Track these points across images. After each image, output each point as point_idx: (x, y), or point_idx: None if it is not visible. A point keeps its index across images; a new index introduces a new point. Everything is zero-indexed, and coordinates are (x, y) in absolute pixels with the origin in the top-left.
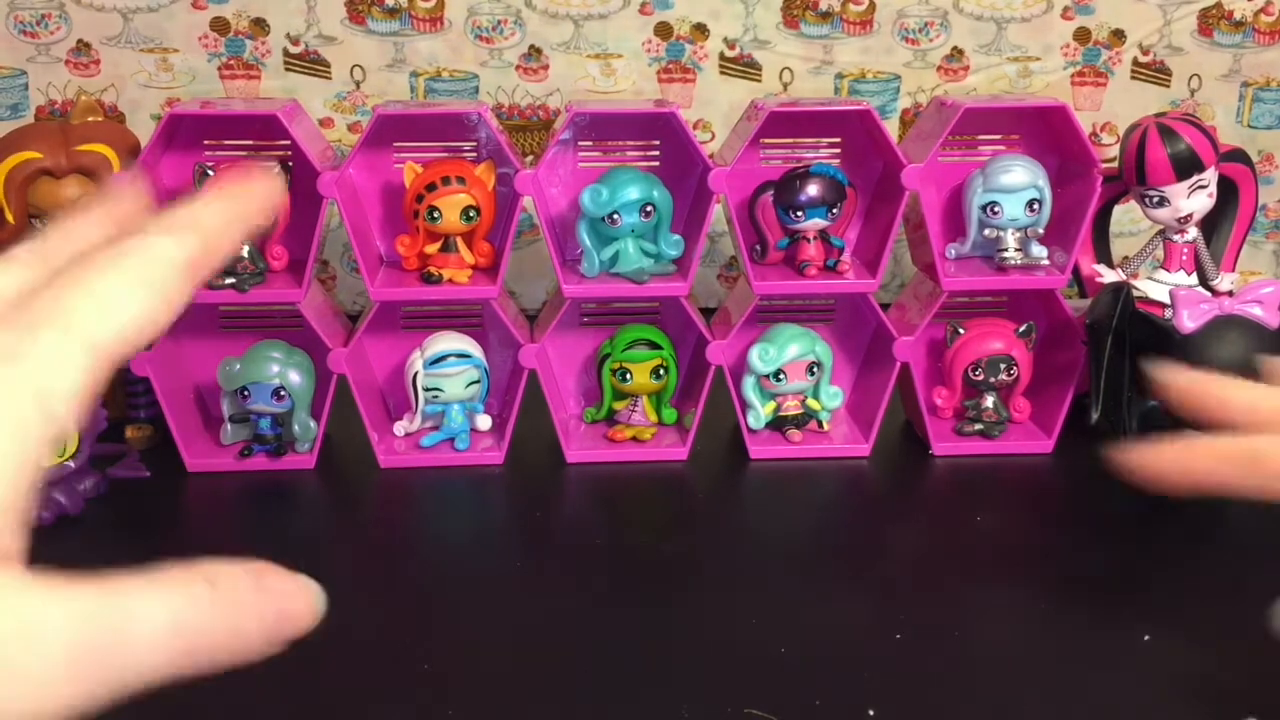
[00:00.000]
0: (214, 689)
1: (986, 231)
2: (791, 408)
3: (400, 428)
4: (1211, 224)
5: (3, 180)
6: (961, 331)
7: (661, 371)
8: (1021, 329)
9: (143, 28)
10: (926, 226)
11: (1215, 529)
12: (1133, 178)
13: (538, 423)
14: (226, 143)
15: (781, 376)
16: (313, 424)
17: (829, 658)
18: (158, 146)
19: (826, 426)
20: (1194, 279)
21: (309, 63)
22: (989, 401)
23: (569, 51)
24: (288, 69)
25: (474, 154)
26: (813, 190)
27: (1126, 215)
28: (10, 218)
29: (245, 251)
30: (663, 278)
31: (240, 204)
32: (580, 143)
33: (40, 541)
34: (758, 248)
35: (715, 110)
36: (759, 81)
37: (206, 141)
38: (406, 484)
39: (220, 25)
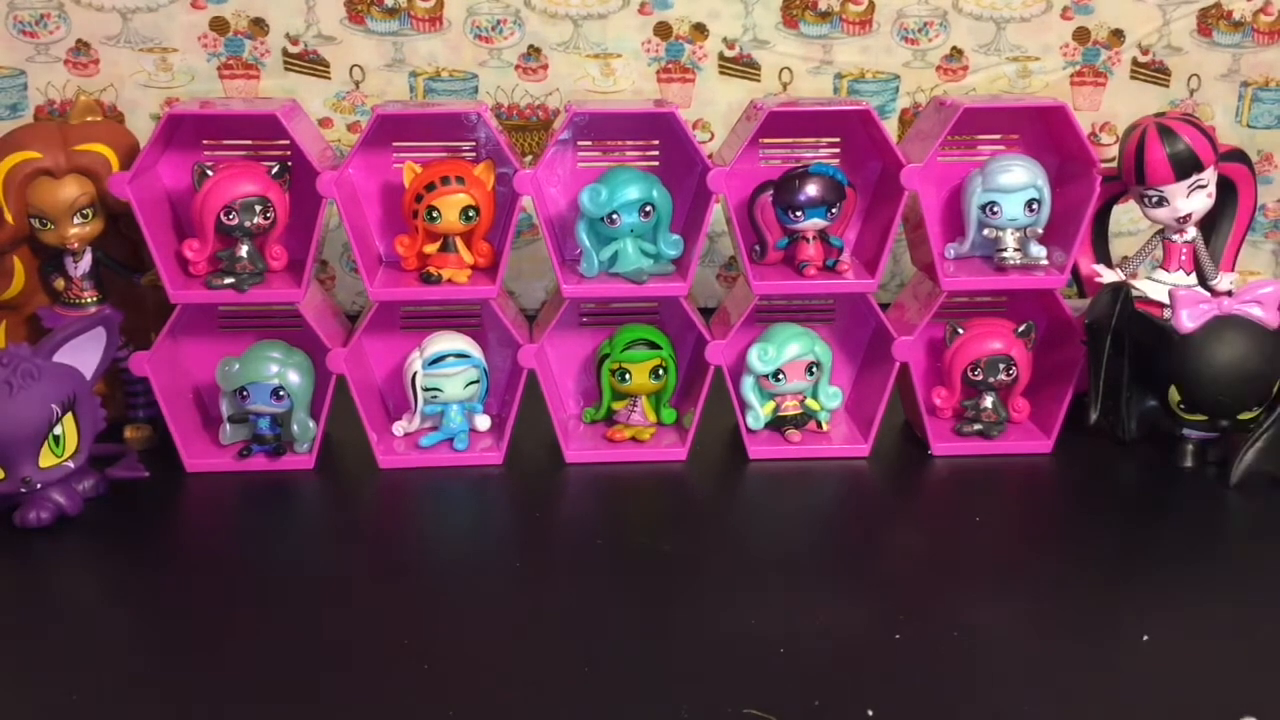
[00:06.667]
0: (215, 689)
1: (986, 231)
2: (791, 408)
3: (399, 428)
4: (1210, 223)
5: (2, 180)
6: (961, 331)
7: (660, 371)
8: (1021, 329)
9: (142, 28)
10: (926, 226)
11: (1215, 529)
12: (1132, 178)
13: (537, 423)
14: (226, 142)
15: (780, 376)
16: (312, 424)
17: (829, 658)
18: (157, 146)
19: (826, 426)
20: (1193, 279)
21: (308, 62)
22: (988, 401)
23: (568, 51)
24: (287, 69)
25: (473, 154)
26: (812, 190)
27: (1126, 215)
28: (9, 217)
29: (244, 251)
30: (662, 278)
31: None
32: (579, 142)
33: (40, 541)
34: (757, 248)
35: (714, 110)
36: (758, 81)
37: (206, 141)
38: (406, 484)
39: (219, 25)
